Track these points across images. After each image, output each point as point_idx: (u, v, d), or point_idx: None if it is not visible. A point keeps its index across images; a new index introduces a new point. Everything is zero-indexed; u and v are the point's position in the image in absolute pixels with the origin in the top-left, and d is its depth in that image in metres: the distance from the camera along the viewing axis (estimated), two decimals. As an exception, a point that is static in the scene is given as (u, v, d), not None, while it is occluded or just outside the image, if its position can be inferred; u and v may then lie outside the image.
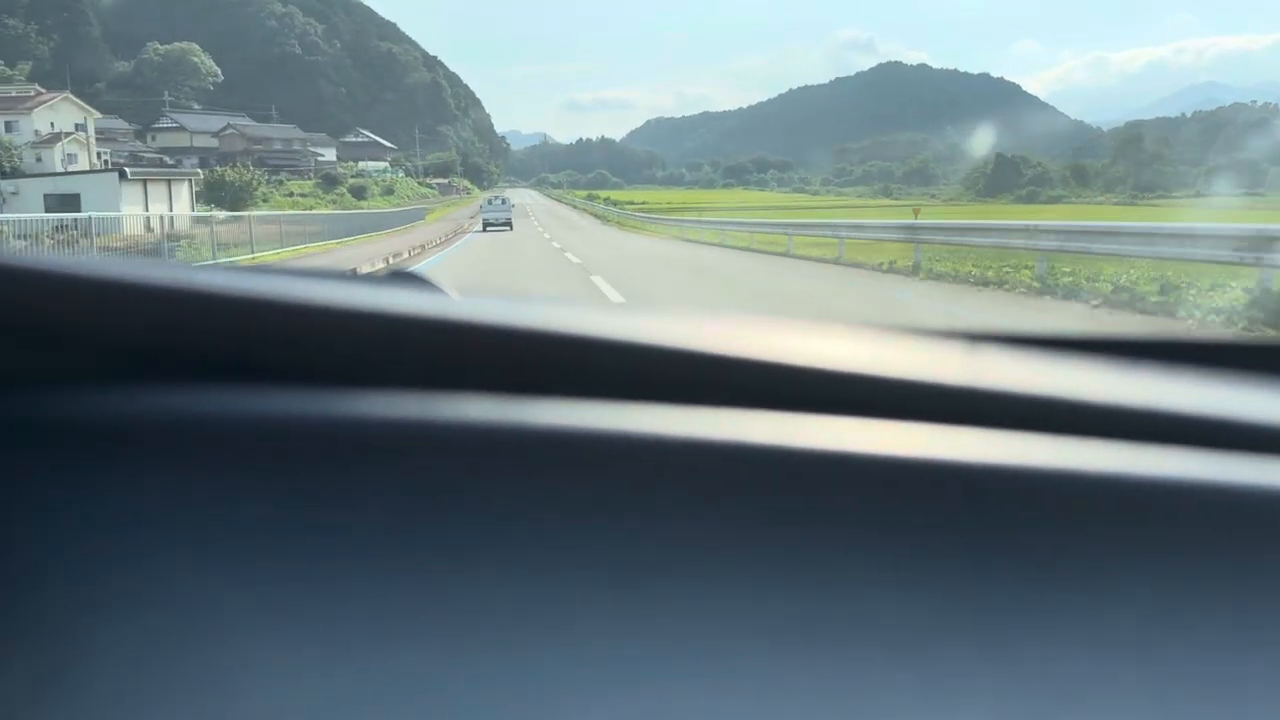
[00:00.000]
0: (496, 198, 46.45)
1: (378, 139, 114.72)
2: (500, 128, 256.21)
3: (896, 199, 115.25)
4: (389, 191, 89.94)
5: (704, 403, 0.40)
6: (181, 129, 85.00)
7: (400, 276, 0.55)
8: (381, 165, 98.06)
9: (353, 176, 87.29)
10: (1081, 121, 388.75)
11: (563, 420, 0.39)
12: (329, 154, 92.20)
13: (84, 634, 0.36)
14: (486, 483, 0.38)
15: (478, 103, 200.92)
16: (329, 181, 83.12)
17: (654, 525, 0.37)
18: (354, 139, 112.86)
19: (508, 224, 38.34)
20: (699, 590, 0.36)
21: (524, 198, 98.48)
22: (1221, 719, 0.35)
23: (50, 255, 0.40)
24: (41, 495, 0.38)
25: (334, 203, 79.98)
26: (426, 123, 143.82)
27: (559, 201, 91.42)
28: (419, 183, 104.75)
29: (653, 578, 0.36)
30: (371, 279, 0.54)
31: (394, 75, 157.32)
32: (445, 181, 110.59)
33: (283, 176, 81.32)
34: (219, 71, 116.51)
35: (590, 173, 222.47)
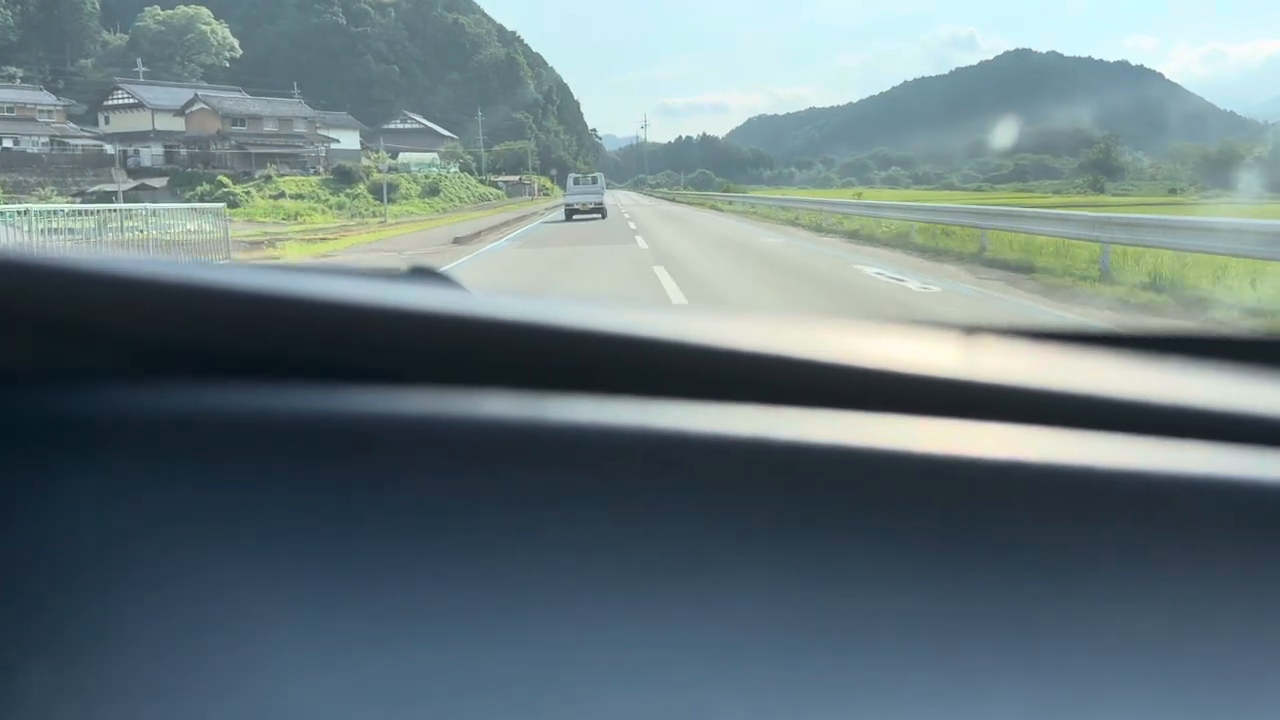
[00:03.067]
0: (587, 176, 35.80)
1: (431, 125, 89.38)
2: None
3: (1118, 196, 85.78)
4: (433, 192, 64.04)
5: (725, 399, 0.40)
6: (140, 106, 60.33)
7: (420, 273, 0.54)
8: (428, 157, 72.32)
9: (380, 171, 61.51)
10: (1233, 113, 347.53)
11: (581, 416, 0.39)
12: (349, 140, 66.88)
13: (107, 630, 0.36)
14: (505, 478, 0.38)
15: (564, 87, 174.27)
16: (343, 177, 57.50)
17: (672, 521, 0.37)
18: (400, 125, 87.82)
19: (598, 211, 30.85)
20: (716, 587, 0.36)
21: (619, 198, 71.29)
22: (1248, 718, 0.34)
23: (76, 252, 0.40)
24: (67, 492, 0.39)
25: (341, 207, 54.56)
26: (501, 108, 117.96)
27: (673, 202, 61.61)
28: (480, 180, 78.93)
29: (671, 574, 0.37)
30: (392, 275, 0.54)
31: (460, 51, 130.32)
32: (516, 179, 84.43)
33: (271, 170, 55.74)
34: (236, 44, 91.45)
35: (691, 172, 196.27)
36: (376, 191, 56.74)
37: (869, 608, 0.36)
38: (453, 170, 71.33)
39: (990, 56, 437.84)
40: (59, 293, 0.40)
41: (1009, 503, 0.38)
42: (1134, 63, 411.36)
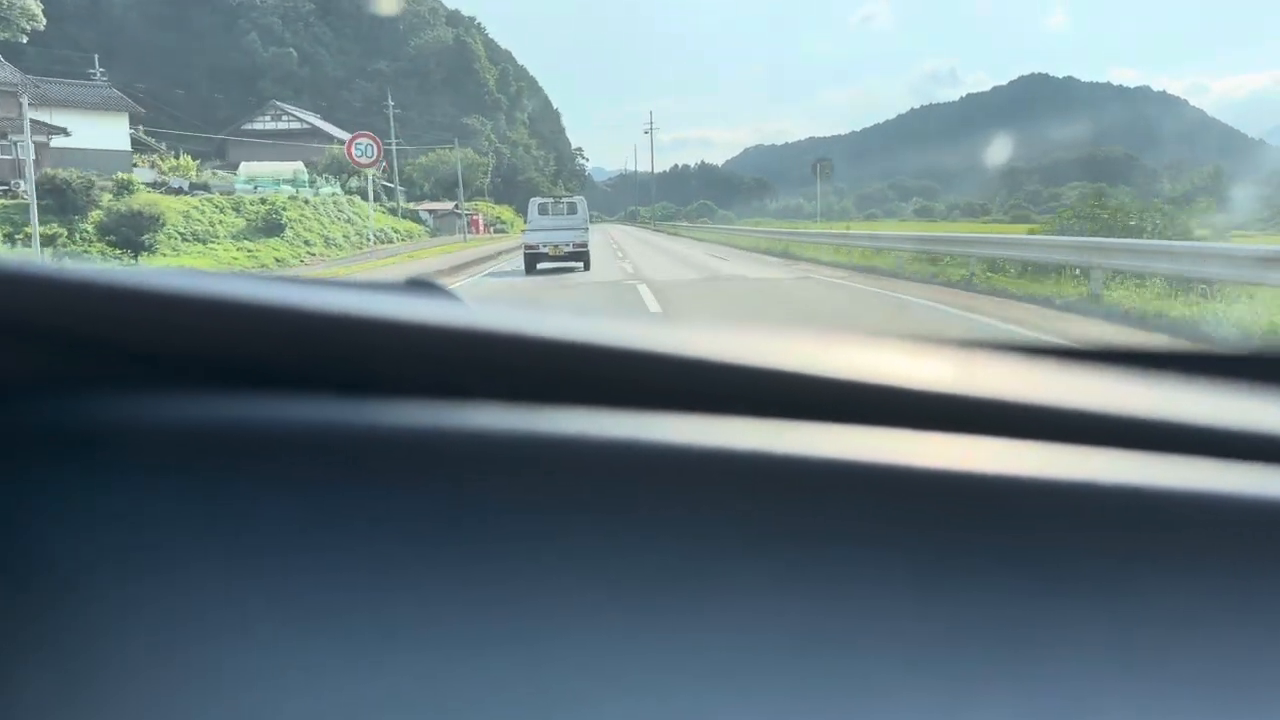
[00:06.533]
0: (559, 201, 22.06)
1: (320, 124, 59.91)
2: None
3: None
4: (270, 229, 34.03)
5: (721, 412, 0.41)
6: None
7: (417, 285, 0.54)
8: (288, 169, 42.19)
9: (169, 192, 31.58)
10: (1262, 141, 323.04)
11: (578, 428, 0.39)
12: (106, 132, 36.70)
13: (108, 637, 0.36)
14: (503, 489, 0.39)
15: (541, 93, 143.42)
16: (57, 199, 27.44)
17: (670, 533, 0.38)
18: (270, 123, 58.07)
19: (578, 258, 18.97)
20: (713, 597, 0.37)
21: (618, 241, 40.84)
22: None
23: (76, 264, 0.33)
24: (70, 500, 0.39)
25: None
26: (448, 110, 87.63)
27: (748, 250, 30.96)
28: (389, 209, 48.89)
29: (668, 584, 0.37)
30: (390, 287, 0.54)
31: (391, 34, 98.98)
32: (450, 208, 54.02)
33: None
34: (38, 11, 59.88)
35: (690, 203, 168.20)
36: (125, 226, 27.02)
37: (865, 617, 0.36)
38: (326, 191, 41.19)
39: (971, 91, 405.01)
40: (61, 304, 0.40)
41: (1003, 516, 0.38)
42: (1155, 88, 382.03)
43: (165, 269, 0.45)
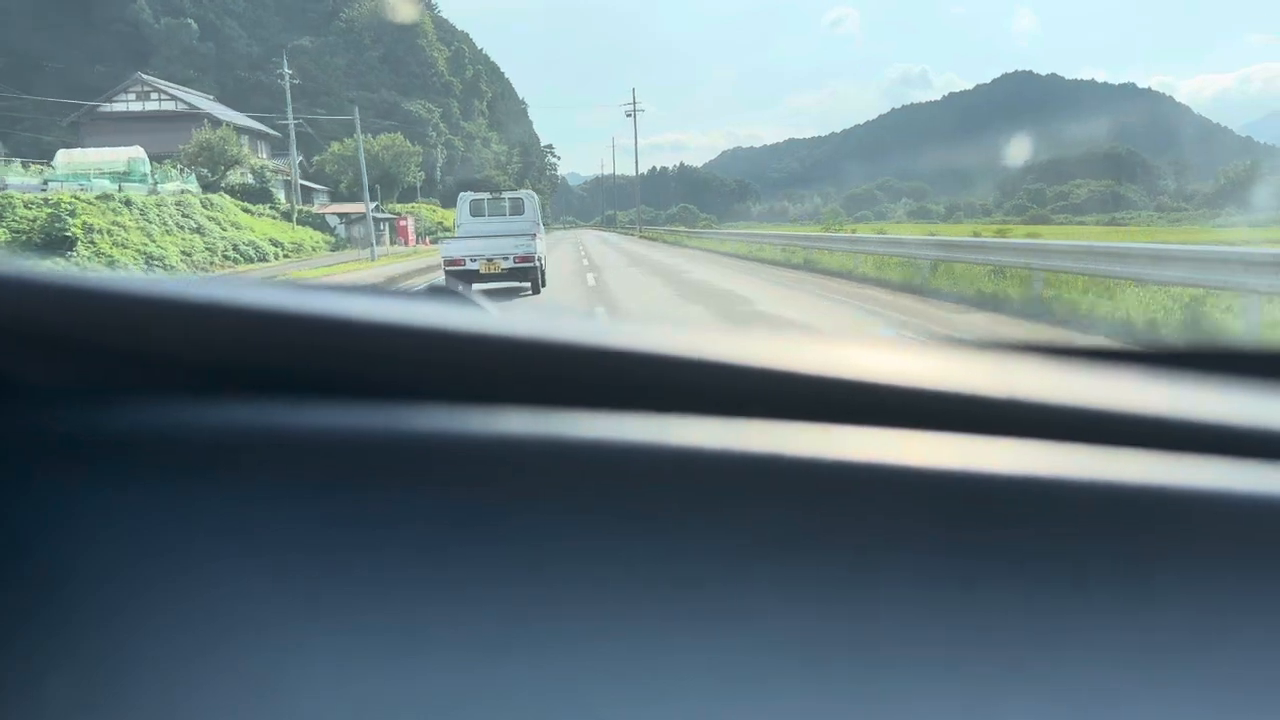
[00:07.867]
0: (500, 196, 16.44)
1: (209, 106, 47.11)
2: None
3: None
4: (56, 244, 20.64)
5: (742, 415, 0.41)
6: None
7: (437, 291, 0.55)
8: (122, 157, 29.46)
9: None
10: (1249, 138, 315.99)
11: (598, 432, 0.39)
12: None
13: (127, 644, 0.37)
14: (522, 493, 0.39)
15: (504, 81, 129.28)
16: None
17: (689, 537, 0.38)
18: (133, 104, 45.22)
19: (524, 275, 13.92)
20: (732, 600, 0.37)
21: (592, 253, 28.41)
22: None
23: (96, 272, 0.32)
24: (92, 507, 0.39)
25: None
26: (385, 94, 74.61)
27: (881, 287, 17.97)
28: (283, 212, 36.25)
29: (686, 588, 0.37)
30: (409, 294, 0.54)
31: (319, 3, 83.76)
32: (361, 212, 41.51)
33: None
34: None
35: (670, 207, 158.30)
36: None
37: (884, 620, 0.36)
38: (170, 188, 28.81)
39: (953, 90, 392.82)
40: (85, 312, 0.41)
41: (1023, 518, 0.38)
42: (1141, 85, 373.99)
43: (187, 278, 0.44)
